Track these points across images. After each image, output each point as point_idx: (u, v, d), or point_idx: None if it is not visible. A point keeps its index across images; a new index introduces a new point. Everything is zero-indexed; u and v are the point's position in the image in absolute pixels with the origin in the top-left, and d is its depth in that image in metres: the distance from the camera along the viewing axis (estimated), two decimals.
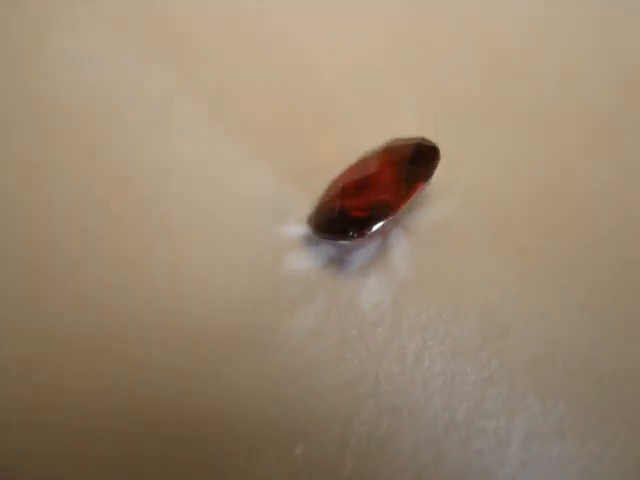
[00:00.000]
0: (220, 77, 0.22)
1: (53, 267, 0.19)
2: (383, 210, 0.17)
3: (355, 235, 0.17)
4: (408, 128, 0.20)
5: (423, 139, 0.19)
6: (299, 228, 0.19)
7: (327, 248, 0.19)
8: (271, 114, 0.21)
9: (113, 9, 0.24)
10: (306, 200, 0.19)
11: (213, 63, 0.23)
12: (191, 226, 0.20)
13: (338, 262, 0.19)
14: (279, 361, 0.18)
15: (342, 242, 0.18)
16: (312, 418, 0.17)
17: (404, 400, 0.17)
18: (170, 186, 0.20)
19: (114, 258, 0.19)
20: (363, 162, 0.19)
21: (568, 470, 0.16)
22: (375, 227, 0.17)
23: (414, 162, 0.18)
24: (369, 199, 0.18)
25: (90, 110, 0.22)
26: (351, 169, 0.19)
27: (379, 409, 0.17)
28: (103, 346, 0.18)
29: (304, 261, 0.19)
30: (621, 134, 0.20)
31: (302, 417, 0.17)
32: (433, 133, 0.19)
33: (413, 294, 0.18)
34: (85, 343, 0.18)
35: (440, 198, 0.19)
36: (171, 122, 0.22)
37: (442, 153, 0.18)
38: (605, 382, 0.17)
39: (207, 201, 0.20)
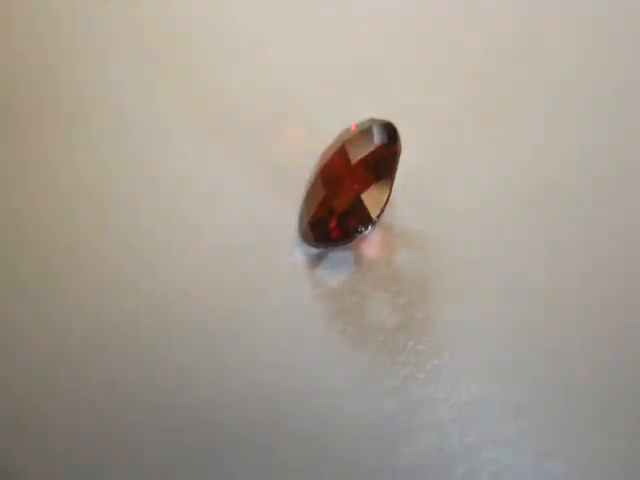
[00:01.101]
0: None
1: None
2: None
3: (363, 230, 0.18)
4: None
5: (373, 120, 0.18)
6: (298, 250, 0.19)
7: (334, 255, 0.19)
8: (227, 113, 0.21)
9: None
10: (285, 205, 0.20)
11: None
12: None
13: (352, 263, 0.19)
14: None
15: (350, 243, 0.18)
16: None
17: None
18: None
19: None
20: (329, 160, 0.19)
21: None
22: (381, 213, 0.17)
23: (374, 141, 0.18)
24: (357, 192, 0.18)
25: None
26: (322, 170, 0.19)
27: None
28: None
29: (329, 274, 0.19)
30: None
31: None
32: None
33: None
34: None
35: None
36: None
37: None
38: None
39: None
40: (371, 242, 0.19)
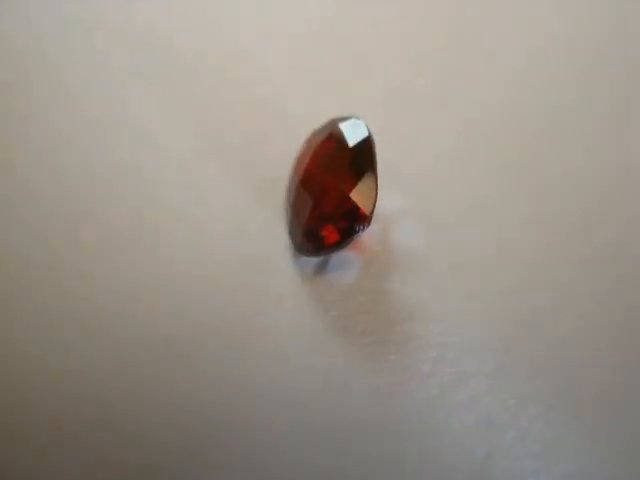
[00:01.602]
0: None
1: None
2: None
3: (361, 228, 0.18)
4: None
5: (337, 120, 0.19)
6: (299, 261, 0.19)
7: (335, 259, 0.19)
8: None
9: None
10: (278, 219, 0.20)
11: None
12: None
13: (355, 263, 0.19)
14: None
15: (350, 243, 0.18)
16: None
17: None
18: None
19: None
20: (306, 169, 0.19)
21: None
22: (374, 208, 0.17)
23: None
24: (345, 193, 0.18)
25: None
26: (302, 180, 0.19)
27: None
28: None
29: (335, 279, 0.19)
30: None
31: None
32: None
33: None
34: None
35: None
36: None
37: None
38: None
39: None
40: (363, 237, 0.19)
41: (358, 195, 0.18)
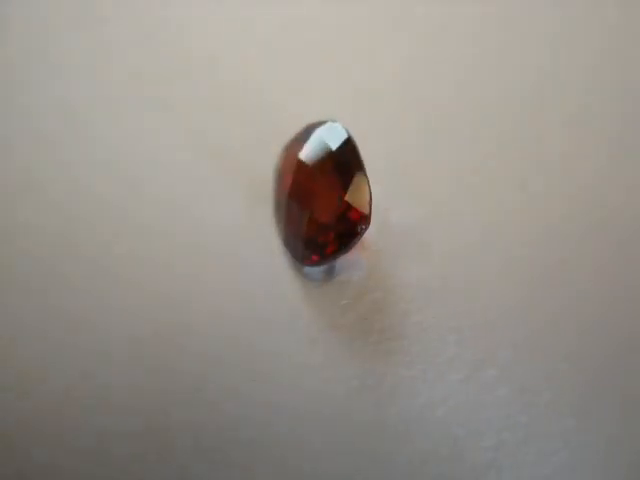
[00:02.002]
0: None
1: None
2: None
3: (363, 227, 0.18)
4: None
5: (313, 125, 0.19)
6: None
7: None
8: None
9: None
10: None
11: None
12: None
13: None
14: None
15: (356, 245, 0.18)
16: None
17: None
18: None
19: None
20: (292, 181, 0.19)
21: None
22: (371, 206, 0.18)
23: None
24: (340, 197, 0.18)
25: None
26: (290, 193, 0.19)
27: None
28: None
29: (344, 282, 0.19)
30: None
31: None
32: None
33: None
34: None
35: None
36: None
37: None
38: None
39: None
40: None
41: (353, 197, 0.18)
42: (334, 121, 0.19)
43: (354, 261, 0.19)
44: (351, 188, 0.18)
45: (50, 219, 0.20)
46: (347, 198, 0.18)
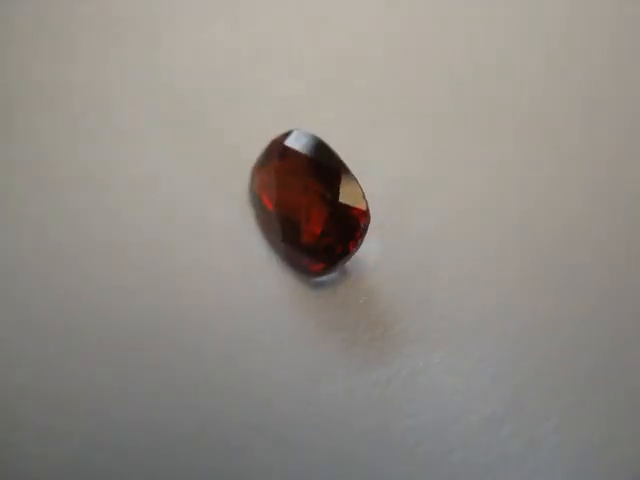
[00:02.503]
0: None
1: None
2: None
3: (366, 224, 0.17)
4: None
5: (284, 137, 0.19)
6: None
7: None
8: None
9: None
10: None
11: None
12: None
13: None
14: None
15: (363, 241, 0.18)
16: None
17: None
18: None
19: None
20: (277, 196, 0.19)
21: None
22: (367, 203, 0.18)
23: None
24: (335, 199, 0.18)
25: None
26: (278, 207, 0.19)
27: None
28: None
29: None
30: None
31: None
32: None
33: None
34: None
35: None
36: None
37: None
38: None
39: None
40: None
41: (346, 197, 0.18)
42: (298, 129, 0.18)
43: (357, 261, 0.19)
44: (342, 189, 0.18)
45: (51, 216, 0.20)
46: (342, 200, 0.18)
